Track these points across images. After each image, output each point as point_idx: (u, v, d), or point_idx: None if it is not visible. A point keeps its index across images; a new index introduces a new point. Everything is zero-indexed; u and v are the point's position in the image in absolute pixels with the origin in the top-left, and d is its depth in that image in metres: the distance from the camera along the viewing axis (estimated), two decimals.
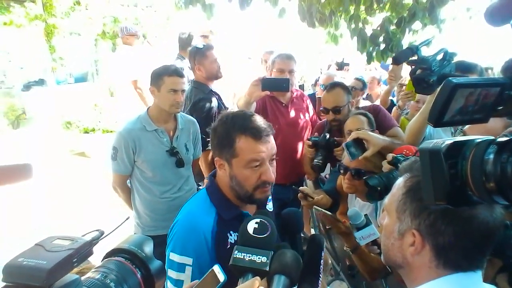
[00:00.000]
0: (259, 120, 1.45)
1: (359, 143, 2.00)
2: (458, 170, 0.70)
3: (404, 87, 4.02)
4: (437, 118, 0.69)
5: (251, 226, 1.07)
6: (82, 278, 0.73)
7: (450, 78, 0.67)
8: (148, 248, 0.85)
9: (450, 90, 0.67)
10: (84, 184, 5.79)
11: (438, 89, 0.70)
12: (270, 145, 1.43)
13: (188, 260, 1.36)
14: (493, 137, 0.69)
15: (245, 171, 1.41)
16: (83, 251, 0.70)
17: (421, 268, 0.97)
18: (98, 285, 0.72)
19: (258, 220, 1.09)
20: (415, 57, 1.53)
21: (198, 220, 1.43)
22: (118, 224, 0.82)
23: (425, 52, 1.61)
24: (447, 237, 0.92)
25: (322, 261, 1.13)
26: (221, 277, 1.01)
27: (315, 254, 1.14)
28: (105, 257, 0.83)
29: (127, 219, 0.86)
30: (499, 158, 0.66)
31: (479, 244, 0.92)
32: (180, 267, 1.36)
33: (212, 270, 1.04)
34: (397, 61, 1.63)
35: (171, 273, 1.38)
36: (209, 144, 1.58)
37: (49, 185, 5.59)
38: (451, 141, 0.71)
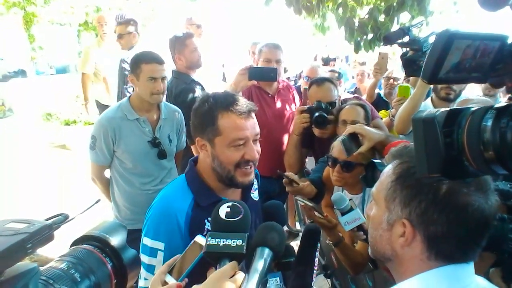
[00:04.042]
0: (242, 98, 1.42)
1: (354, 138, 1.95)
2: (453, 139, 0.65)
3: (391, 80, 4.01)
4: (432, 73, 0.63)
5: (223, 210, 1.04)
6: (43, 268, 0.65)
7: (446, 28, 0.61)
8: (121, 236, 0.77)
9: (445, 40, 0.61)
10: (65, 177, 5.65)
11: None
12: (253, 123, 1.40)
13: (160, 245, 1.33)
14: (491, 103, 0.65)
15: (228, 150, 1.37)
16: (41, 236, 0.61)
17: (412, 260, 0.91)
18: (60, 276, 0.64)
19: (230, 204, 1.06)
20: (406, 38, 1.48)
21: (172, 205, 1.39)
22: (90, 208, 0.74)
23: None
24: (440, 227, 0.85)
25: (317, 252, 1.08)
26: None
27: (308, 244, 1.10)
28: (72, 245, 0.75)
29: (97, 201, 0.78)
30: (498, 123, 0.61)
31: (474, 233, 0.86)
32: (152, 252, 1.34)
33: (195, 241, 1.01)
34: (388, 41, 1.57)
35: (144, 258, 1.34)
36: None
37: (28, 178, 5.43)
38: (447, 109, 0.67)
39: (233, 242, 0.96)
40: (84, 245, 0.73)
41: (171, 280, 1.02)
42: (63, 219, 0.67)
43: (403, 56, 1.44)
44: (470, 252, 0.88)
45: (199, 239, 1.00)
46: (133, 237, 1.97)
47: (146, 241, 1.36)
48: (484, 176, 0.84)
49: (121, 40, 4.30)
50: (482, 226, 0.86)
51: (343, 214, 1.65)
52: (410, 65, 1.42)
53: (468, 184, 0.84)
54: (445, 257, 0.88)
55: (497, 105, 0.63)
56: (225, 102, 1.37)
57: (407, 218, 0.89)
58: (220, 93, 1.47)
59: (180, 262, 1.05)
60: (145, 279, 1.33)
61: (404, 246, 0.90)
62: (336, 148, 2.02)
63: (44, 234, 0.62)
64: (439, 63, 0.62)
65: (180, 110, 2.80)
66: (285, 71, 5.85)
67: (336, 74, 4.30)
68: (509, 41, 0.65)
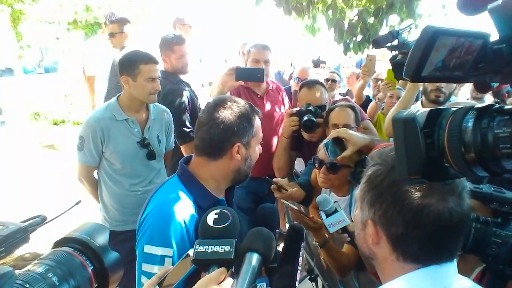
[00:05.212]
0: None
1: (339, 142, 1.95)
2: (434, 140, 0.64)
3: (379, 82, 4.05)
4: (415, 71, 0.60)
5: (211, 217, 1.04)
6: (20, 271, 0.63)
7: (430, 24, 0.59)
8: (103, 238, 0.75)
9: (429, 37, 0.58)
10: (52, 178, 5.58)
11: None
12: None
13: (168, 251, 1.28)
14: (472, 104, 0.64)
15: (257, 147, 1.52)
16: (15, 239, 0.61)
17: (385, 260, 0.93)
18: (37, 280, 0.62)
19: (217, 210, 1.06)
20: (395, 42, 1.50)
21: (177, 208, 1.35)
22: (70, 210, 0.72)
23: None
24: (399, 228, 0.87)
25: (301, 251, 1.08)
26: None
27: (292, 244, 1.10)
28: (53, 247, 0.73)
29: (77, 203, 0.75)
30: (479, 124, 0.59)
31: (434, 236, 0.86)
32: (159, 259, 1.29)
33: (188, 254, 1.01)
34: (377, 45, 1.58)
35: (147, 267, 1.30)
36: (201, 135, 1.47)
37: (15, 178, 5.36)
38: (427, 109, 0.66)
39: (221, 248, 0.95)
40: (64, 248, 0.71)
41: None
42: (41, 221, 0.66)
43: (392, 60, 1.45)
44: (437, 255, 0.88)
45: (192, 252, 0.99)
46: (122, 239, 1.93)
47: (149, 249, 1.31)
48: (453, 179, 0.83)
49: (113, 39, 4.24)
50: (441, 229, 0.85)
51: (327, 216, 1.67)
52: (399, 69, 1.43)
53: (428, 187, 0.84)
54: (412, 259, 0.89)
55: (478, 106, 0.63)
56: (252, 105, 1.51)
57: (372, 218, 0.92)
58: (235, 98, 1.54)
59: (170, 274, 1.03)
60: None
61: (374, 245, 0.94)
62: (322, 149, 2.02)
63: (18, 237, 0.61)
64: (422, 60, 0.59)
65: (168, 110, 2.78)
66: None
67: (338, 77, 4.31)
68: (491, 40, 0.64)
